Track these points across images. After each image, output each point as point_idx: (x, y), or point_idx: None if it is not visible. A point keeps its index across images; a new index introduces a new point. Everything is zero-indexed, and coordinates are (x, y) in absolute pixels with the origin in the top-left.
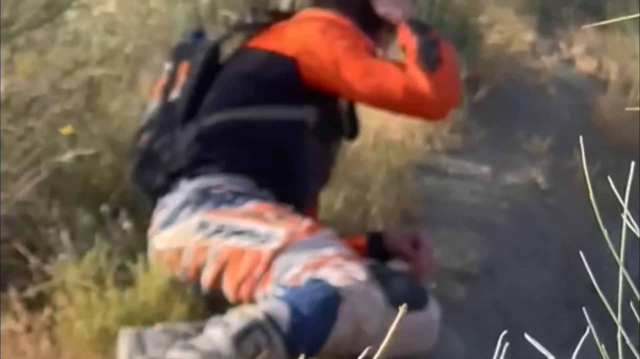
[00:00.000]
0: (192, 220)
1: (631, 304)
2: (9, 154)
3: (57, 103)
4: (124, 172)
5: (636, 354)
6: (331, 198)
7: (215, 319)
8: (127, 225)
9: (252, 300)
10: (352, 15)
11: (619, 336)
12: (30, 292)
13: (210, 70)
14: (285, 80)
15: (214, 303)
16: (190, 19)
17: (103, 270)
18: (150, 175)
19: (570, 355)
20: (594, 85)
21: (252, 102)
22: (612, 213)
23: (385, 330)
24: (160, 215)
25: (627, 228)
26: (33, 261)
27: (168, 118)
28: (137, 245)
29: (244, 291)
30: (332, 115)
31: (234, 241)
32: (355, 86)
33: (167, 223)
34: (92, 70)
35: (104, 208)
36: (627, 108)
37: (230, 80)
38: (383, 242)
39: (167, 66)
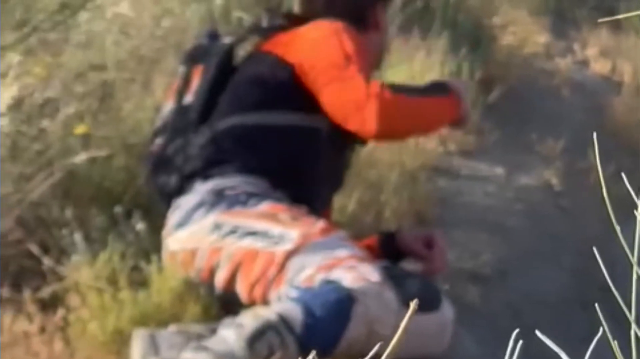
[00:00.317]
0: (206, 221)
1: None
2: (23, 155)
3: (71, 105)
4: (137, 173)
5: None
6: (345, 200)
7: (228, 320)
8: (140, 226)
9: (265, 301)
10: (347, 10)
11: (632, 334)
12: (44, 293)
13: (224, 73)
14: (287, 86)
15: (228, 304)
16: (204, 21)
17: (116, 271)
18: (164, 178)
19: (584, 355)
20: (608, 87)
21: (263, 107)
22: (626, 214)
23: (404, 333)
24: (174, 216)
25: None
26: (47, 262)
27: (181, 121)
28: (151, 246)
29: (258, 292)
30: None
31: (247, 243)
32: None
33: (181, 224)
34: (105, 72)
35: (118, 209)
36: None
37: (242, 84)
38: (396, 242)
39: (181, 69)
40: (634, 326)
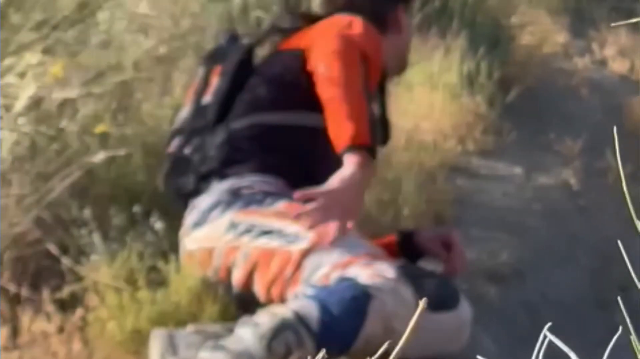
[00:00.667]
0: (222, 220)
1: None
2: (42, 155)
3: (89, 104)
4: (156, 172)
5: None
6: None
7: (245, 319)
8: (159, 225)
9: (282, 300)
10: (369, 8)
11: None
12: (63, 293)
13: (242, 74)
14: (304, 85)
15: (245, 304)
16: (223, 20)
17: (135, 270)
18: (181, 179)
19: (602, 355)
20: (626, 87)
21: (279, 107)
22: None
23: (416, 328)
24: (191, 216)
25: None
26: (65, 262)
27: (199, 122)
28: (169, 246)
29: (275, 291)
30: None
31: (263, 242)
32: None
33: (198, 224)
34: (124, 72)
35: (136, 209)
36: None
37: (260, 84)
38: (414, 241)
39: (200, 70)
40: None
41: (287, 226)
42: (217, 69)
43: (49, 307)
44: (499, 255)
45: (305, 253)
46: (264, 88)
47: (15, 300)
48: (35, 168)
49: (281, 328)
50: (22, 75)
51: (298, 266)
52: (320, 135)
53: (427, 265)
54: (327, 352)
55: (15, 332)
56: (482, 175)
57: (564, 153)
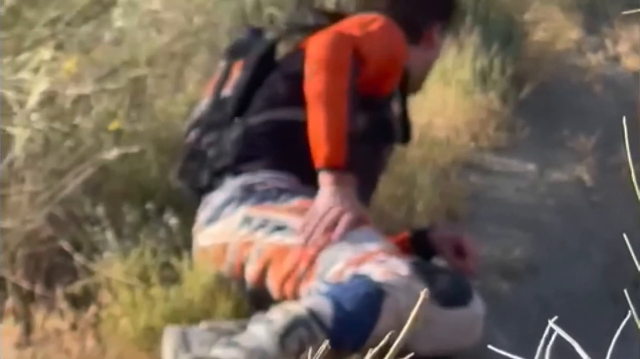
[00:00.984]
0: (235, 215)
1: None
2: (55, 152)
3: (103, 101)
4: (169, 169)
5: None
6: (376, 195)
7: (258, 316)
8: (172, 221)
9: (296, 297)
10: (404, 15)
11: None
12: (76, 290)
13: (264, 69)
14: None
15: (259, 300)
16: (236, 17)
17: (148, 267)
18: (196, 172)
19: (615, 350)
20: None
21: (297, 103)
22: None
23: (429, 325)
24: (204, 212)
25: None
26: (78, 259)
27: (218, 115)
28: (183, 242)
29: (288, 287)
30: (383, 120)
31: (277, 238)
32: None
33: (211, 220)
34: (137, 69)
35: (149, 206)
36: None
37: (278, 80)
38: (427, 239)
39: (222, 63)
40: None
41: (301, 223)
42: (239, 63)
43: (62, 304)
44: (512, 250)
45: (319, 250)
46: (282, 84)
47: (29, 297)
48: (48, 165)
49: (294, 325)
50: (36, 70)
51: (312, 262)
52: None
53: (441, 262)
54: (340, 349)
55: (28, 329)
56: (496, 171)
57: (577, 150)
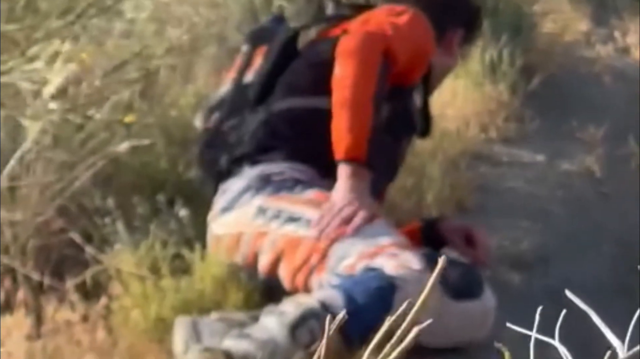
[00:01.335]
0: (251, 205)
1: None
2: (66, 144)
3: (114, 93)
4: (179, 161)
5: None
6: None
7: (270, 308)
8: (183, 212)
9: (307, 288)
10: (429, 13)
11: None
12: (86, 282)
13: (287, 56)
14: None
15: (270, 291)
16: (246, 10)
17: (159, 258)
18: (214, 155)
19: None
20: None
21: (317, 91)
22: None
23: (441, 317)
24: (220, 200)
25: None
26: (89, 250)
27: (240, 100)
28: (193, 234)
29: (300, 279)
30: (405, 111)
31: (291, 229)
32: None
33: (227, 209)
34: (147, 61)
35: (160, 198)
36: None
37: (300, 68)
38: (437, 229)
39: (244, 48)
40: None
41: (315, 215)
42: (262, 49)
43: (73, 296)
44: (522, 241)
45: (332, 242)
46: (304, 72)
47: (39, 289)
48: (59, 157)
49: (306, 317)
50: (48, 62)
51: (324, 255)
52: None
53: (451, 253)
54: (351, 342)
55: (39, 321)
56: (505, 162)
57: (586, 141)
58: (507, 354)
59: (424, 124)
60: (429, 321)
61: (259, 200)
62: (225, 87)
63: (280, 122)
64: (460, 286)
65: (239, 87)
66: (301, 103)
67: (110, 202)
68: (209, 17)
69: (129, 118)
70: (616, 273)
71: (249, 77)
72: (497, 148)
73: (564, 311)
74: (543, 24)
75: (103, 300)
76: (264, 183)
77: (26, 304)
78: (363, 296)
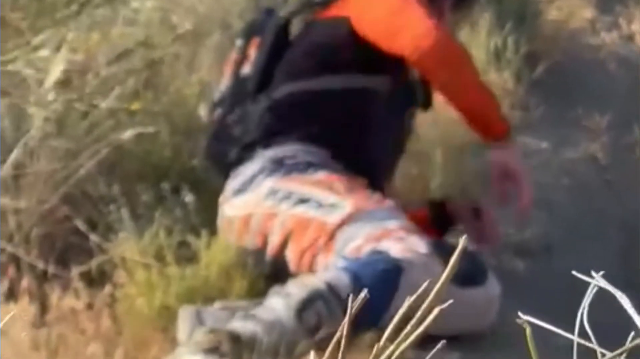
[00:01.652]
0: (262, 187)
1: None
2: (71, 132)
3: (118, 81)
4: (183, 148)
5: None
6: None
7: (276, 288)
8: (189, 199)
9: (312, 270)
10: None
11: None
12: (91, 270)
13: (280, 44)
14: (344, 45)
15: (275, 279)
16: None
17: (163, 246)
18: (223, 148)
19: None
20: None
21: (319, 72)
22: None
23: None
24: (234, 183)
25: None
26: (93, 238)
27: (240, 92)
28: (198, 222)
29: (306, 260)
30: (405, 84)
31: (301, 210)
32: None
33: (240, 191)
34: (151, 49)
35: (164, 185)
36: None
37: (298, 52)
38: (446, 210)
39: (238, 42)
40: None
41: (325, 197)
42: (255, 41)
43: (78, 284)
44: (526, 229)
45: (340, 225)
46: (303, 56)
47: (44, 277)
48: (64, 145)
49: (313, 299)
50: (53, 50)
51: (331, 237)
52: (363, 96)
53: (458, 236)
54: (357, 324)
55: (43, 309)
56: None
57: (591, 128)
58: (528, 330)
59: (424, 96)
60: (449, 302)
61: (271, 182)
62: (223, 82)
63: (284, 107)
64: (466, 273)
65: (238, 81)
66: (304, 86)
67: (115, 190)
68: (212, 5)
69: (134, 106)
70: (622, 261)
71: (246, 69)
72: None
73: (588, 296)
74: (548, 11)
75: (108, 288)
76: (277, 165)
77: (30, 292)
78: (369, 278)
